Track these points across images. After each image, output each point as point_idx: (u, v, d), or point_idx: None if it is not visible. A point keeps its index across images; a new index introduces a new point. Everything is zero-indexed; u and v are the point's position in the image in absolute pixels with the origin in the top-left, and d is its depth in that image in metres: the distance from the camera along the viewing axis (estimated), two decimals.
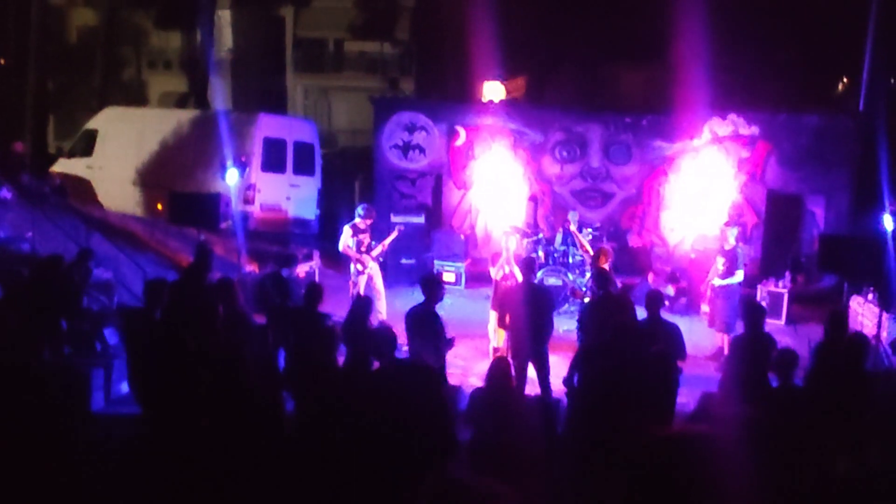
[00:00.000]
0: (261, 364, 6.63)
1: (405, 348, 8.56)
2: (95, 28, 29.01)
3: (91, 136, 17.07)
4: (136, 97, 29.56)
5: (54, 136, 27.06)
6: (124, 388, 8.31)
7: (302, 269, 12.76)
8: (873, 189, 13.10)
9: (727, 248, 10.71)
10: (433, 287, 7.74)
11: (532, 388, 8.33)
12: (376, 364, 6.85)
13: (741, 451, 5.33)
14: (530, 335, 8.30)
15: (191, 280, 8.42)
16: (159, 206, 14.79)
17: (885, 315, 10.05)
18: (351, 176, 21.87)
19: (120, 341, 8.46)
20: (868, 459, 5.72)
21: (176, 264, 12.12)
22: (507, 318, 8.68)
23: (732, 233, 10.82)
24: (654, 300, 7.79)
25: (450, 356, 7.89)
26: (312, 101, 31.22)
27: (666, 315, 8.33)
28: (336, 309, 11.69)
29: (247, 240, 13.58)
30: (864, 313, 11.27)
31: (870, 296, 11.23)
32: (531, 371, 8.37)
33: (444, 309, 7.98)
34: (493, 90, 21.94)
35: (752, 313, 7.51)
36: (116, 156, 16.54)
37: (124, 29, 29.26)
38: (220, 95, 27.46)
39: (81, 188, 16.48)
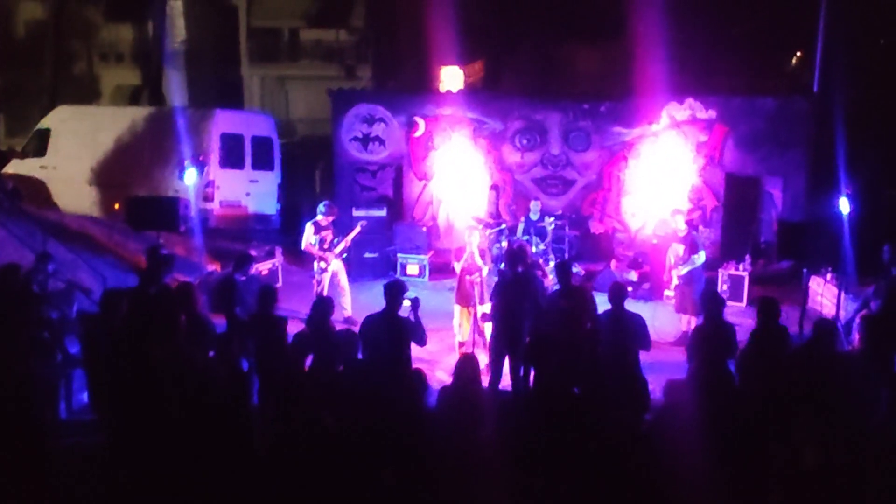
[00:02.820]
0: (224, 372, 6.54)
1: None
2: (44, 21, 28.35)
3: (44, 136, 16.72)
4: (88, 92, 29.07)
5: (5, 134, 26.57)
6: (85, 397, 8.21)
7: (264, 267, 12.68)
8: (830, 170, 13.27)
9: (680, 234, 10.89)
10: (398, 293, 7.44)
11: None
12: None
13: (704, 442, 5.44)
14: (510, 328, 8.31)
15: (148, 287, 8.29)
16: (116, 206, 14.57)
17: (843, 295, 10.26)
18: (311, 166, 21.77)
19: (79, 349, 8.31)
20: (831, 444, 5.84)
21: (136, 266, 11.94)
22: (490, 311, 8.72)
23: (680, 220, 11.01)
24: (618, 292, 7.83)
25: (415, 350, 7.62)
26: (269, 91, 30.87)
27: (630, 301, 8.40)
28: (301, 306, 11.67)
29: (207, 239, 13.45)
30: (823, 293, 11.47)
31: (828, 276, 11.43)
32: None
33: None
34: (450, 75, 21.91)
35: (712, 304, 7.60)
36: (71, 155, 16.25)
37: (74, 22, 28.67)
38: (174, 88, 27.10)
39: (36, 189, 16.20)
